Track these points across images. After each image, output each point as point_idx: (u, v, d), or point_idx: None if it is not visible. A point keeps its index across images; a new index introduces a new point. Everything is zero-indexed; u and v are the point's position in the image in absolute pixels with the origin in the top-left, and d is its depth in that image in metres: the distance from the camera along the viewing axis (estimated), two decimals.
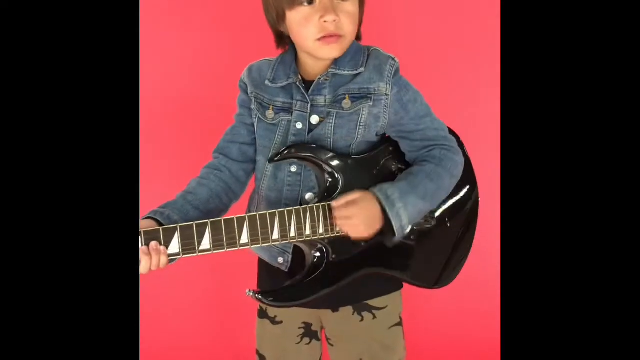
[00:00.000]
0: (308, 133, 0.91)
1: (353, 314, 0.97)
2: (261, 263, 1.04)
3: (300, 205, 0.91)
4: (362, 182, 0.91)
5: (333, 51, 0.89)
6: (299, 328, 1.01)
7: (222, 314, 1.72)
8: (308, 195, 0.92)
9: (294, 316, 1.00)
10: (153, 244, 0.80)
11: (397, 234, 0.88)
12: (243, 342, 1.66)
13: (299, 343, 1.01)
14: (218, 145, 1.01)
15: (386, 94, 0.90)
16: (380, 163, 0.95)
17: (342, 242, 0.90)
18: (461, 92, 1.56)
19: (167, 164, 1.59)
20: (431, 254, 0.98)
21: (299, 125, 0.92)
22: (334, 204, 0.88)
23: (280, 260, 0.95)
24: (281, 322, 1.01)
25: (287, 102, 0.94)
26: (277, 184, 0.94)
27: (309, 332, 1.01)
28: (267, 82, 0.95)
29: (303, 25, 0.87)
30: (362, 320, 0.97)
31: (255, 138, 0.98)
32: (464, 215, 1.01)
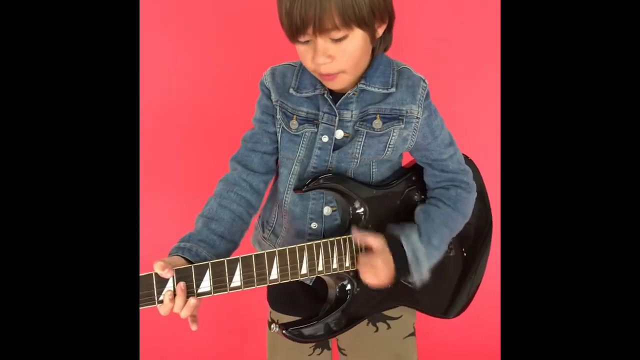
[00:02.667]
0: (334, 149, 0.90)
1: (367, 324, 0.99)
2: None
3: (322, 219, 0.92)
4: (386, 212, 0.92)
5: (334, 85, 0.86)
6: None
7: (231, 325, 1.70)
8: (326, 210, 0.92)
9: None
10: (182, 284, 0.76)
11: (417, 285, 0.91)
12: (253, 354, 1.67)
13: (311, 354, 1.04)
14: (237, 153, 0.95)
15: (417, 117, 0.89)
16: (404, 193, 0.96)
17: None
18: (461, 93, 1.56)
19: (169, 170, 1.53)
20: (446, 284, 1.02)
21: (325, 139, 0.90)
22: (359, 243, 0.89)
23: None
24: None
25: (311, 113, 0.90)
26: (302, 198, 0.93)
27: (321, 342, 1.04)
28: (291, 90, 0.91)
29: (302, 59, 0.84)
30: (376, 330, 0.99)
31: (276, 147, 0.94)
32: (479, 243, 1.04)
